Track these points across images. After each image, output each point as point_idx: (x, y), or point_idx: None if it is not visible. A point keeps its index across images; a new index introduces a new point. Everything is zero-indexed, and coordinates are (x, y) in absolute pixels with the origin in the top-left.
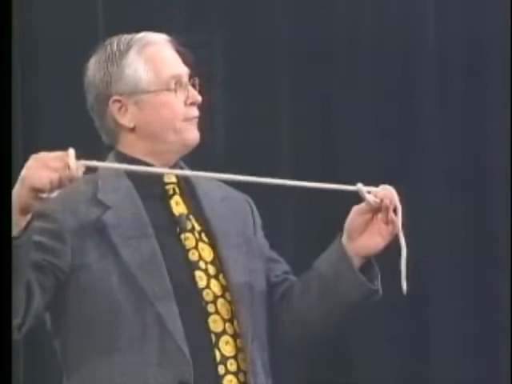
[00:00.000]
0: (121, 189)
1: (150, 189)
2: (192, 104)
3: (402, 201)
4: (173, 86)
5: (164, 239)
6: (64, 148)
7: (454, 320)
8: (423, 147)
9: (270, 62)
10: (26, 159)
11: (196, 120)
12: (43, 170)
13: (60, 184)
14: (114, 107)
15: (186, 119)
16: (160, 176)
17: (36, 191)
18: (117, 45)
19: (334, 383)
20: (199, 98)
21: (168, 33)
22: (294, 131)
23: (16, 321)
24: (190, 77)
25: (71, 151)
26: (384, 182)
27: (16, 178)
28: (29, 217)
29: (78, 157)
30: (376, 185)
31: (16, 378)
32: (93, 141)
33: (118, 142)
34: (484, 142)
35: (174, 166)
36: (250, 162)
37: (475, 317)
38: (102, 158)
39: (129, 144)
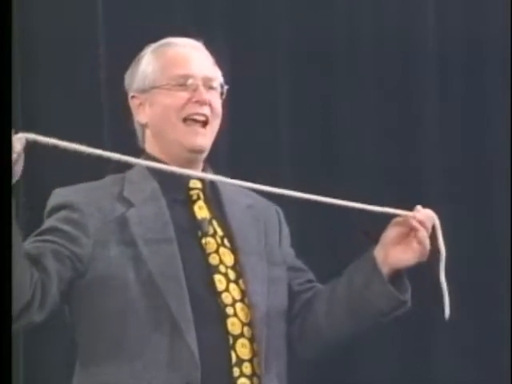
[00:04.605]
0: (146, 190)
1: (175, 192)
2: (197, 102)
3: (401, 201)
4: (178, 83)
5: (185, 241)
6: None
7: (454, 320)
8: (423, 147)
9: (269, 62)
10: (26, 159)
11: (205, 129)
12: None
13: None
14: (133, 104)
15: (188, 117)
16: (186, 181)
17: None
18: (145, 48)
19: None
20: (205, 98)
21: (168, 33)
22: (294, 131)
23: (21, 301)
24: (222, 85)
25: None
26: (384, 182)
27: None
28: None
29: (79, 157)
30: (376, 184)
31: (16, 376)
32: (93, 141)
33: (144, 143)
34: (484, 141)
35: (201, 171)
36: (250, 162)
37: (475, 317)
38: (101, 157)
39: (149, 143)
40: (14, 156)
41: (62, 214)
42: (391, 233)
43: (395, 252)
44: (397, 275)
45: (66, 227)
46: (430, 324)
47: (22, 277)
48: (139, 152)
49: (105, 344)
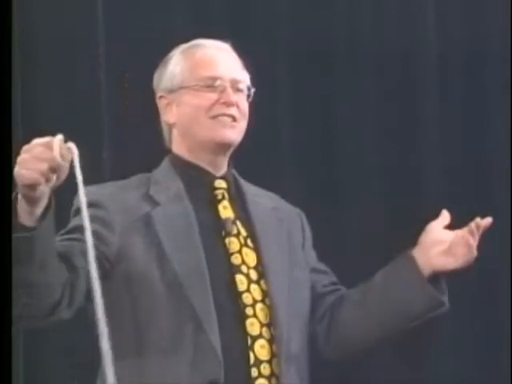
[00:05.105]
0: (172, 188)
1: (200, 192)
2: (224, 104)
3: (402, 201)
4: (206, 84)
5: (208, 241)
6: None
7: (454, 320)
8: (423, 147)
9: (270, 62)
10: None
11: (230, 121)
12: (31, 163)
13: (54, 170)
14: (160, 104)
15: (214, 116)
16: (211, 180)
17: (30, 187)
18: (173, 50)
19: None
20: (232, 99)
21: (168, 33)
22: (294, 131)
23: (52, 299)
24: (249, 88)
25: (57, 138)
26: (384, 182)
27: None
28: (42, 205)
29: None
30: (376, 184)
31: (16, 377)
32: (93, 141)
33: (171, 143)
34: (484, 142)
35: (226, 174)
36: (250, 162)
37: (475, 317)
38: (102, 158)
39: (176, 142)
40: (66, 165)
41: (89, 212)
42: (434, 236)
43: (439, 255)
44: (434, 277)
45: (93, 225)
46: (430, 324)
47: (54, 276)
48: (141, 151)
49: (129, 342)
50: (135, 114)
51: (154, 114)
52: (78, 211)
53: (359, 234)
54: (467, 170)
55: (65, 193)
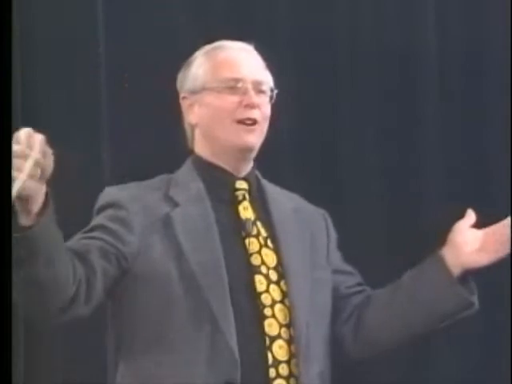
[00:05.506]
0: (192, 189)
1: (221, 193)
2: (247, 106)
3: (402, 201)
4: (228, 86)
5: (228, 241)
6: (64, 148)
7: (453, 320)
8: (423, 147)
9: (269, 62)
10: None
11: (254, 126)
12: (16, 161)
13: (37, 167)
14: (183, 104)
15: (239, 121)
16: (232, 181)
17: None
18: (197, 51)
19: None
20: (254, 101)
21: (168, 33)
22: (294, 131)
23: (65, 295)
24: (272, 89)
25: (22, 131)
26: (384, 182)
27: None
28: (37, 201)
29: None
30: (376, 184)
31: (16, 376)
32: (93, 141)
33: (193, 144)
34: (484, 142)
35: (248, 175)
36: None
37: (475, 317)
38: (102, 158)
39: (198, 143)
40: (38, 156)
41: (109, 212)
42: (464, 235)
43: (469, 253)
44: (463, 277)
45: (112, 225)
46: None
47: (63, 272)
48: (141, 152)
49: (146, 340)
50: (135, 114)
51: (154, 114)
52: (100, 210)
53: (359, 234)
54: (467, 169)
55: (69, 193)
